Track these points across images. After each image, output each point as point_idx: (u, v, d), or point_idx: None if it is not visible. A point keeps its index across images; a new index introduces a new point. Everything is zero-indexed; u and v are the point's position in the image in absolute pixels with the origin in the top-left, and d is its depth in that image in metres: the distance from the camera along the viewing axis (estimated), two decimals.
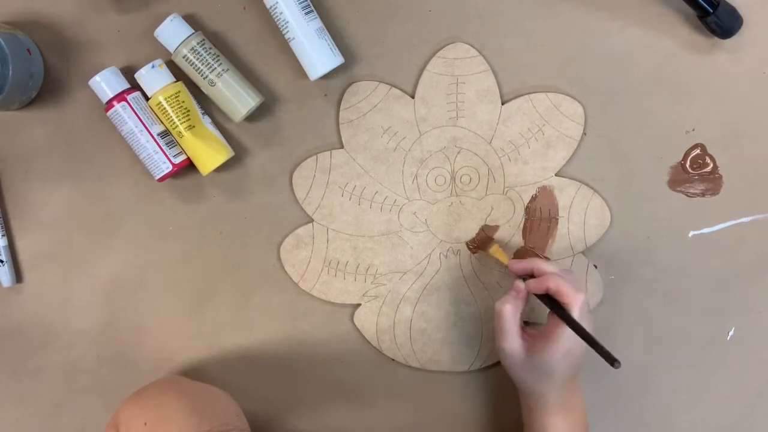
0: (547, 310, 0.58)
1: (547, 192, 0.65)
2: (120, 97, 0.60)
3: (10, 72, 0.57)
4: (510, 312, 0.58)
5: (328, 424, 0.67)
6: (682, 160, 0.65)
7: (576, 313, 0.55)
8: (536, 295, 0.59)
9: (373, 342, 0.66)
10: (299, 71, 0.62)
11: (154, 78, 0.60)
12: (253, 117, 0.64)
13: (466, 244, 0.65)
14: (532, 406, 0.60)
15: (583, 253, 0.65)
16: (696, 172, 0.65)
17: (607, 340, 0.55)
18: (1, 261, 0.64)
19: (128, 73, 0.62)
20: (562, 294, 0.56)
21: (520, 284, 0.60)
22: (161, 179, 0.62)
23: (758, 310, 0.67)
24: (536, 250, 0.65)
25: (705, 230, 0.66)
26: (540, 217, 0.65)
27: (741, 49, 0.63)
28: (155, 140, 0.61)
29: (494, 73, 0.63)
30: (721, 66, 0.64)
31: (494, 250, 0.63)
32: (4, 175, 0.64)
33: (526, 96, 0.64)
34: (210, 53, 0.60)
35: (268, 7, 0.60)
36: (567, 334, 0.55)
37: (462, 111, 0.64)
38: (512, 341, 0.58)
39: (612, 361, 0.49)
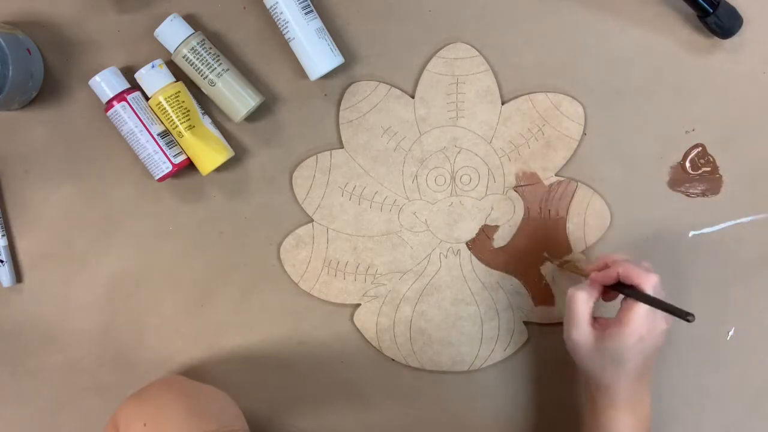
0: None
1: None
2: (120, 97, 0.60)
3: (10, 72, 0.57)
4: (582, 298, 0.56)
5: (328, 424, 0.67)
6: (682, 160, 0.65)
7: (649, 293, 0.54)
8: (610, 287, 0.57)
9: (373, 342, 0.66)
10: (299, 71, 0.62)
11: (154, 78, 0.60)
12: (253, 117, 0.64)
13: (555, 263, 0.65)
14: (599, 400, 0.57)
15: (583, 252, 0.65)
16: (696, 172, 0.65)
17: None
18: (1, 261, 0.64)
19: (128, 73, 0.62)
20: (632, 277, 0.54)
21: (595, 275, 0.57)
22: (161, 179, 0.62)
23: (758, 310, 0.66)
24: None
25: (705, 230, 0.66)
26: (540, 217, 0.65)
27: (741, 49, 0.63)
28: (155, 140, 0.61)
29: (494, 73, 0.63)
30: (721, 66, 0.64)
31: (572, 267, 0.63)
32: (4, 175, 0.64)
33: (526, 96, 0.64)
34: (210, 53, 0.60)
35: (268, 7, 0.60)
36: (639, 315, 0.53)
37: (462, 111, 0.64)
38: (582, 330, 0.56)
39: (685, 315, 0.50)
